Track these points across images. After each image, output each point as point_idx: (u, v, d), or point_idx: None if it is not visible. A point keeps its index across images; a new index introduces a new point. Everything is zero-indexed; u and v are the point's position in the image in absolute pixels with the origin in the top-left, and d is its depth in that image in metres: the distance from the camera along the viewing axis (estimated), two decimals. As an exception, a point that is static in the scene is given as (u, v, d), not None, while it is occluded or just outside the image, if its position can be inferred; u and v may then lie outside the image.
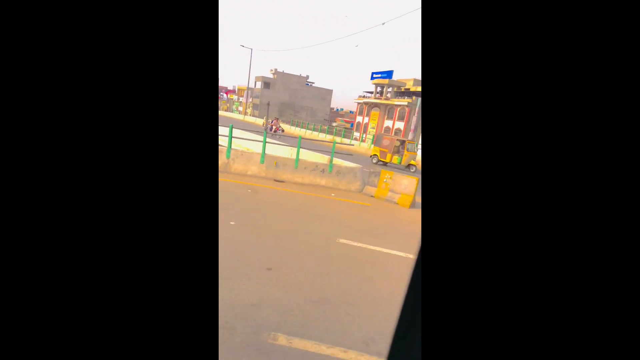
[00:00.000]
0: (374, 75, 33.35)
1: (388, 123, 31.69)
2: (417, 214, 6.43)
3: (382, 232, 5.10)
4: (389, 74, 31.96)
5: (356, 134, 32.42)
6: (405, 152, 14.67)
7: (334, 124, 42.92)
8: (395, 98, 31.35)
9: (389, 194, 7.12)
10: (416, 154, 15.15)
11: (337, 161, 7.92)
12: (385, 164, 15.13)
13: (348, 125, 40.68)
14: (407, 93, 30.94)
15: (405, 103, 29.32)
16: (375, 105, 33.09)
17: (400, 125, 30.16)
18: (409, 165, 14.79)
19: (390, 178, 7.16)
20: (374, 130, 32.54)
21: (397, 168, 14.22)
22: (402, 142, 15.21)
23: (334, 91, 53.29)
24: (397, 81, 32.02)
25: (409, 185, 6.89)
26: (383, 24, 30.61)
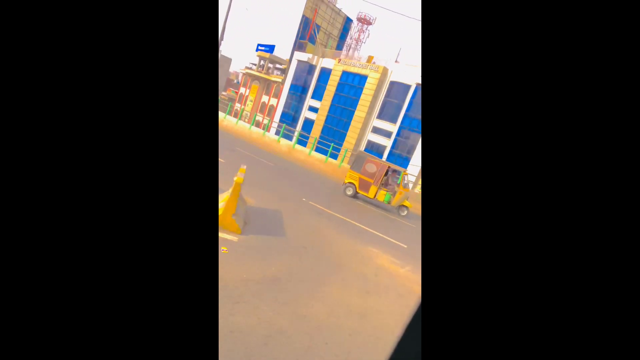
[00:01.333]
0: (259, 47, 32.55)
1: (265, 98, 31.44)
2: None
3: None
4: (271, 48, 31.52)
5: (237, 105, 31.40)
6: (401, 188, 9.29)
7: (224, 93, 40.94)
8: (274, 75, 31.21)
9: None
10: (409, 190, 9.72)
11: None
12: (356, 196, 9.65)
13: (235, 97, 39.23)
14: (285, 71, 31.02)
15: (280, 80, 29.36)
16: (256, 78, 32.47)
17: (274, 102, 30.17)
18: (400, 207, 9.55)
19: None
20: (252, 103, 31.94)
21: (384, 208, 9.69)
22: (391, 171, 9.61)
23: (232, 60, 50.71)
24: (277, 57, 31.82)
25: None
26: (247, 9, 28.95)
